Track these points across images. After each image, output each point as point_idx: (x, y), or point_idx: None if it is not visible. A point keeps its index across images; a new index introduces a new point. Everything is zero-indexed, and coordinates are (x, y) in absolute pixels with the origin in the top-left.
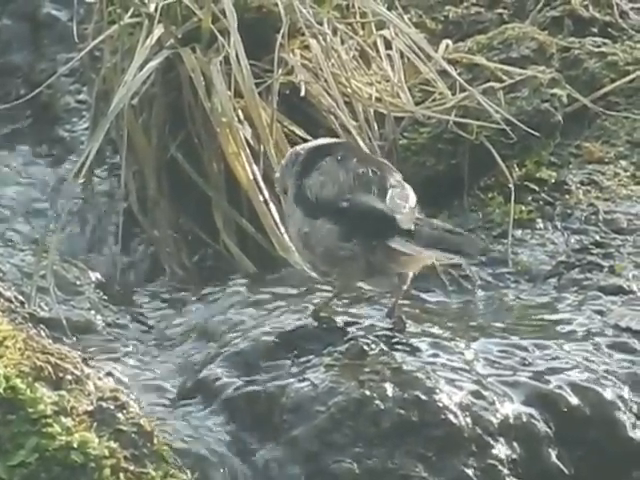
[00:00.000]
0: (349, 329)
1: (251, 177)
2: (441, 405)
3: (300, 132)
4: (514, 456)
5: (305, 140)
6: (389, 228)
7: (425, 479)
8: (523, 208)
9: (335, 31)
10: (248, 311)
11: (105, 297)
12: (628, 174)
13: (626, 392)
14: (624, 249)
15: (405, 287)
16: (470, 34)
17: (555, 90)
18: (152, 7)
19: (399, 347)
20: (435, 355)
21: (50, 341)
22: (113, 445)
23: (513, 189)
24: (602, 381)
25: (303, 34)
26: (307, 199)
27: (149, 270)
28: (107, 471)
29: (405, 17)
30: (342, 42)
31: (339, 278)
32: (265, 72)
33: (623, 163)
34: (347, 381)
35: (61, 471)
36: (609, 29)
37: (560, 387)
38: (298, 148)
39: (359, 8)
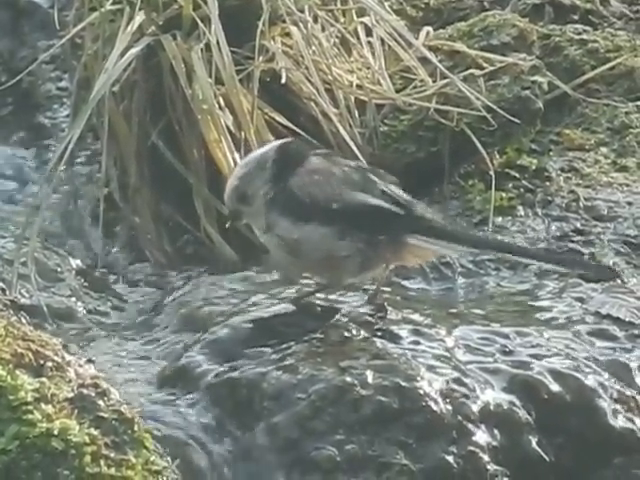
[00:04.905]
0: (330, 316)
1: (232, 164)
2: (422, 392)
3: (281, 119)
4: (495, 443)
5: (286, 127)
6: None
7: (406, 466)
8: (504, 195)
9: (316, 18)
10: (229, 298)
11: (86, 284)
12: (609, 161)
13: (607, 379)
14: (604, 236)
15: (387, 274)
16: (451, 21)
17: (536, 77)
18: None
19: (380, 334)
20: (416, 342)
21: (31, 328)
22: (94, 432)
23: (494, 176)
24: (583, 368)
25: (284, 21)
26: (295, 201)
27: (130, 257)
28: (88, 458)
29: (386, 4)
30: (323, 29)
31: (330, 280)
32: (246, 59)
33: (604, 150)
34: (328, 368)
35: (42, 458)
36: (590, 16)
37: (541, 374)
38: (256, 153)
39: None
